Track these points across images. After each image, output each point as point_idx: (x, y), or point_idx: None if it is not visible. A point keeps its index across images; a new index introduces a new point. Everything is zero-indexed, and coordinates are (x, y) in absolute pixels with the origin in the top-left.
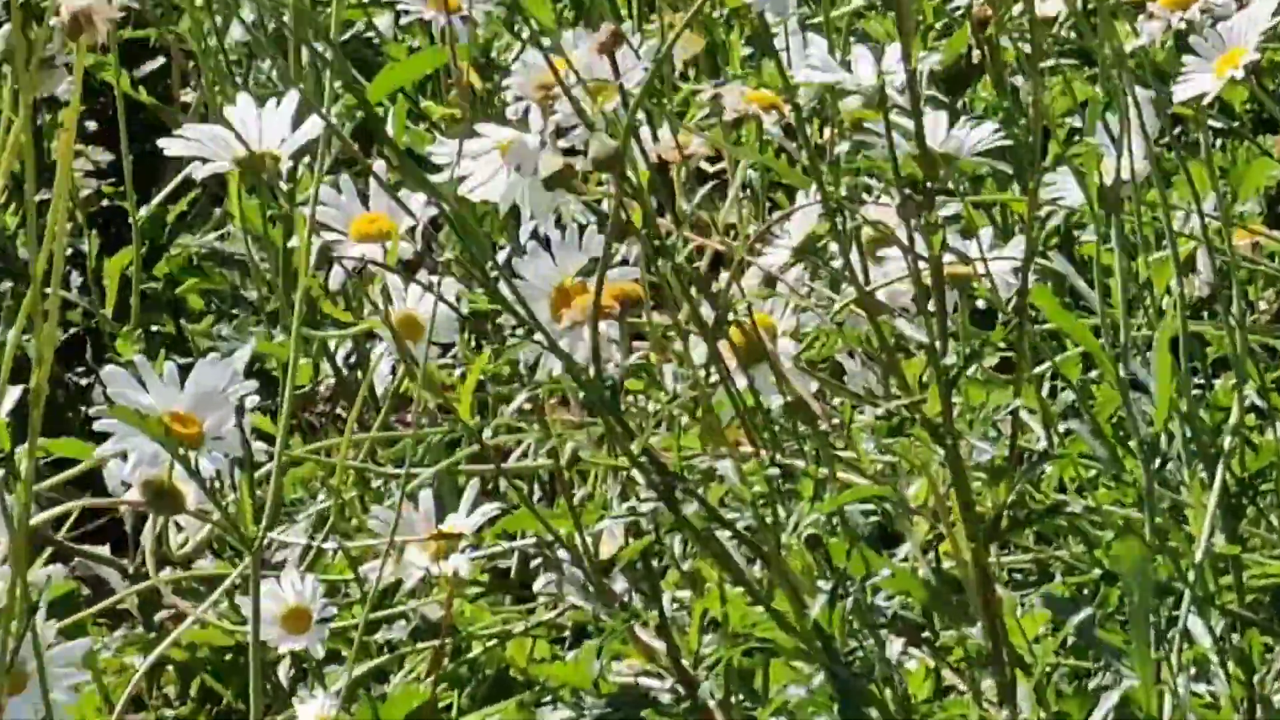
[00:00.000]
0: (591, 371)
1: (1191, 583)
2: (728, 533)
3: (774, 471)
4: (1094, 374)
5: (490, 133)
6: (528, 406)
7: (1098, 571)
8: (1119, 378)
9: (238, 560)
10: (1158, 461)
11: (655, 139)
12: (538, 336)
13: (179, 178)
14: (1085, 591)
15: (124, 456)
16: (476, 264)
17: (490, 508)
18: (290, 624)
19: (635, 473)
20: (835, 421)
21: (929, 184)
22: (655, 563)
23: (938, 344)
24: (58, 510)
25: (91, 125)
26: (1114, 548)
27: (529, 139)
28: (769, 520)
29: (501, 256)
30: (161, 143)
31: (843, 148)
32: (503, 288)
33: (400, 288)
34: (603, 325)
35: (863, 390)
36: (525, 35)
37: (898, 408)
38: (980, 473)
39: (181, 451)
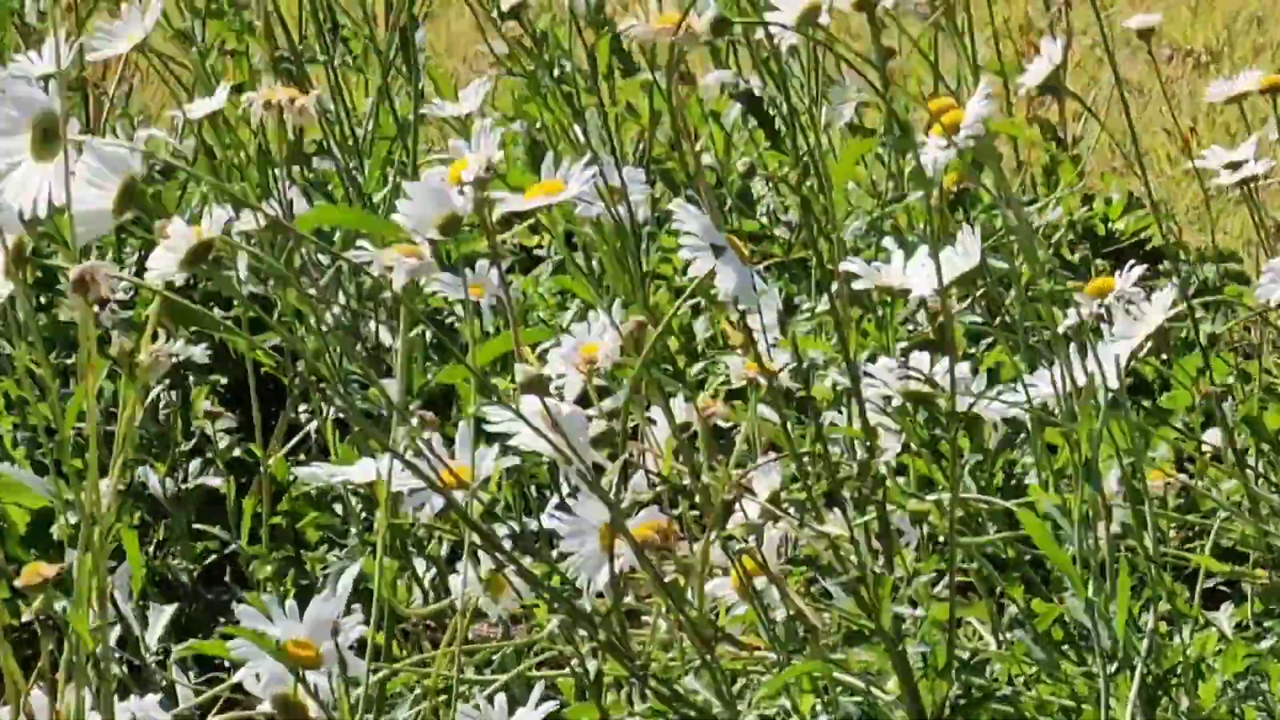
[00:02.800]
0: (610, 596)
1: None
2: None
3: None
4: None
5: (530, 403)
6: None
7: None
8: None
9: None
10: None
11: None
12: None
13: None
14: None
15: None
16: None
17: (550, 705)
18: None
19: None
20: (828, 627)
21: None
22: None
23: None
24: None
25: (224, 381)
26: None
27: (564, 407)
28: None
29: (554, 501)
30: (298, 471)
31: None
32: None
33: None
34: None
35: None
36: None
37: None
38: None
39: (301, 671)
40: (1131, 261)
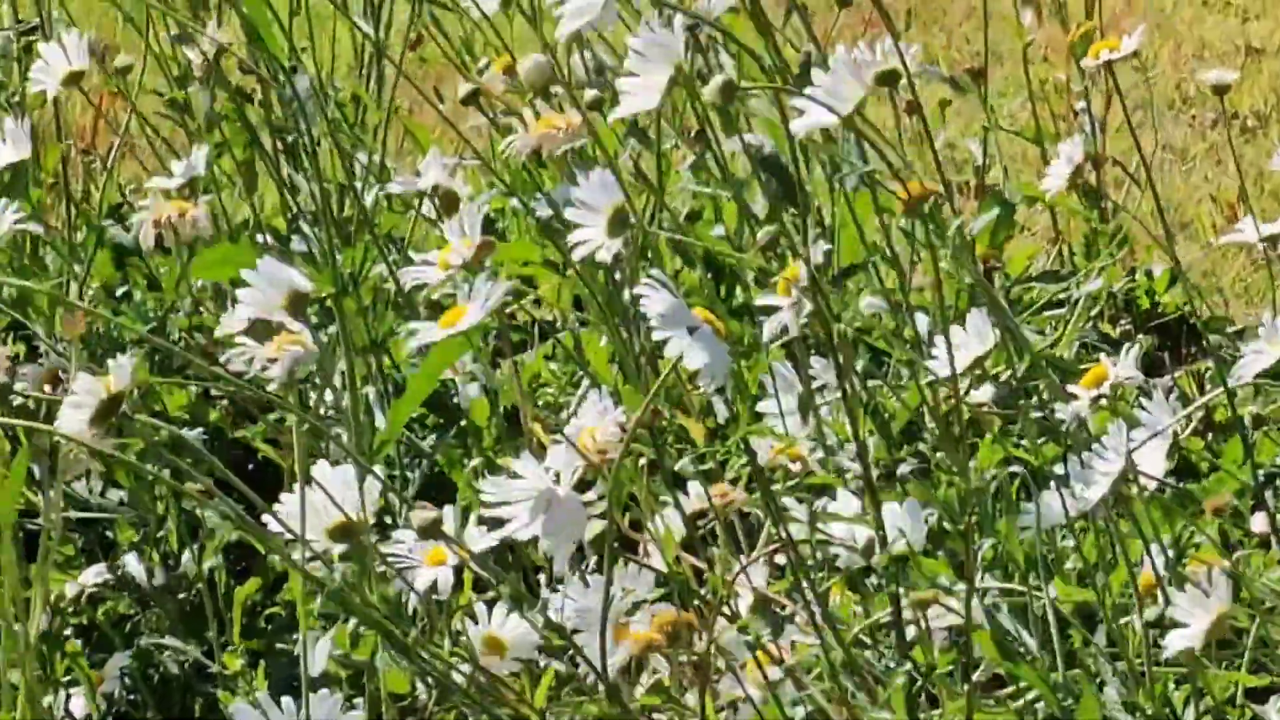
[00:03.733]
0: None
1: None
2: None
3: None
4: None
5: (530, 477)
6: None
7: None
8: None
9: None
10: None
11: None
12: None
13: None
14: None
15: None
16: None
17: None
18: None
19: None
20: None
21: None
22: None
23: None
24: None
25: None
26: None
27: (560, 491)
28: None
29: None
30: (267, 519)
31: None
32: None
33: (485, 610)
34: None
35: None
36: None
37: None
38: None
39: None
40: (1127, 345)
